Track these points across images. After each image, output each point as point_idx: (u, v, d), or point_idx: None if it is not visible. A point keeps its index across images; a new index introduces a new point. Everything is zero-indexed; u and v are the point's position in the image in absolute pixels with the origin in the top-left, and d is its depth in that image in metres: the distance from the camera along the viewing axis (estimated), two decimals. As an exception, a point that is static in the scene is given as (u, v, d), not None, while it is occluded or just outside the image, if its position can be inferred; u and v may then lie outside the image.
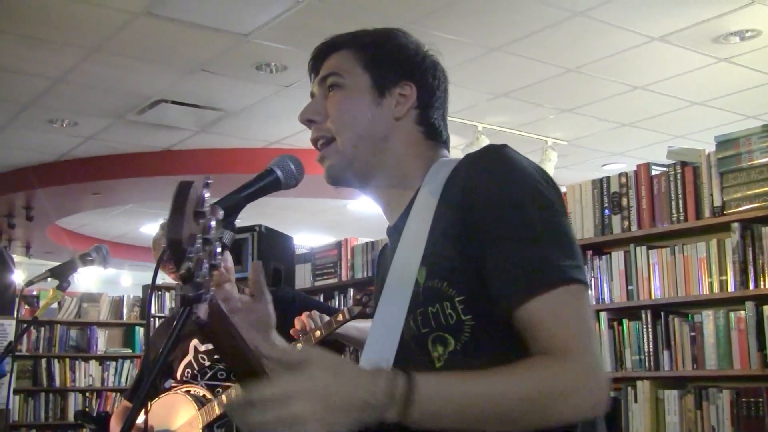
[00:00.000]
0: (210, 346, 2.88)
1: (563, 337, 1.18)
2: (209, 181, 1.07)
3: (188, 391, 2.82)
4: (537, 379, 1.16)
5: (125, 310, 8.80)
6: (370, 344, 1.33)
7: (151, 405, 2.88)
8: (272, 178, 1.32)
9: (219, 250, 1.06)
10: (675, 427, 3.67)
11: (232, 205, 1.33)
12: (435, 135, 1.47)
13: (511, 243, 1.23)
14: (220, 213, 1.09)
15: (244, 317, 1.45)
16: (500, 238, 1.24)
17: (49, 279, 2.60)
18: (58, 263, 2.64)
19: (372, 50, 1.45)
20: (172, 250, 1.01)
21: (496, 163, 1.29)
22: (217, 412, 2.70)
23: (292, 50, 5.38)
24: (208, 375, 2.87)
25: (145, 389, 1.17)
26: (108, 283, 13.22)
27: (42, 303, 2.63)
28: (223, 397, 2.70)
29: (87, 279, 13.13)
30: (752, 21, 5.15)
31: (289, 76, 5.84)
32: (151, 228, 11.00)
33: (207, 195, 1.05)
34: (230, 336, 1.14)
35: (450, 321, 1.28)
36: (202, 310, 1.04)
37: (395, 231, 1.43)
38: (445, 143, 1.49)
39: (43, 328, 8.29)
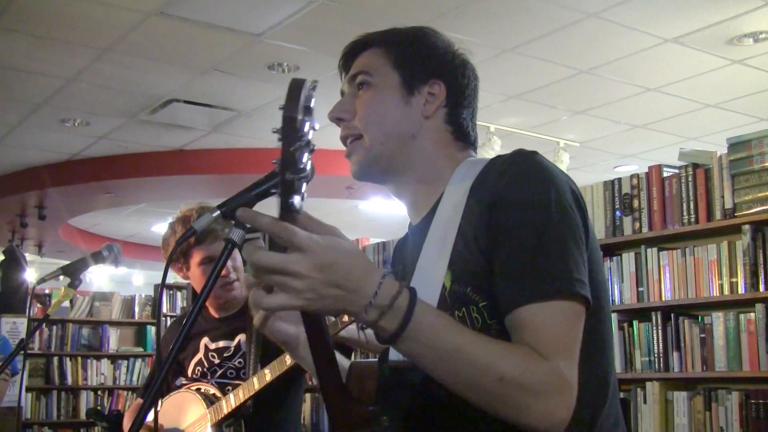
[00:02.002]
0: (221, 344, 2.89)
1: (549, 345, 1.17)
2: (316, 84, 1.11)
3: (198, 389, 2.83)
4: (521, 363, 1.15)
5: (137, 309, 8.84)
6: None
7: (161, 403, 2.89)
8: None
9: (310, 167, 1.10)
10: (684, 429, 3.66)
11: (243, 203, 1.34)
12: (463, 135, 1.47)
13: (521, 247, 1.23)
14: (317, 124, 1.11)
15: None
16: (512, 241, 1.24)
17: (61, 277, 2.61)
18: (70, 262, 2.65)
19: (402, 48, 1.45)
20: (285, 127, 1.05)
21: (527, 170, 1.29)
22: (226, 411, 2.71)
23: (305, 50, 5.40)
24: (218, 373, 2.87)
25: (155, 387, 1.18)
26: (120, 282, 13.29)
27: (53, 301, 2.64)
28: (231, 396, 2.70)
29: (99, 278, 13.18)
30: (766, 23, 5.13)
31: (301, 77, 5.84)
32: (163, 227, 10.98)
33: (314, 97, 1.09)
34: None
35: (476, 325, 1.28)
36: (296, 200, 1.08)
37: (420, 230, 1.43)
38: (473, 144, 1.49)
39: (55, 327, 8.35)
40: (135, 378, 8.64)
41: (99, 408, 8.21)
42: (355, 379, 1.42)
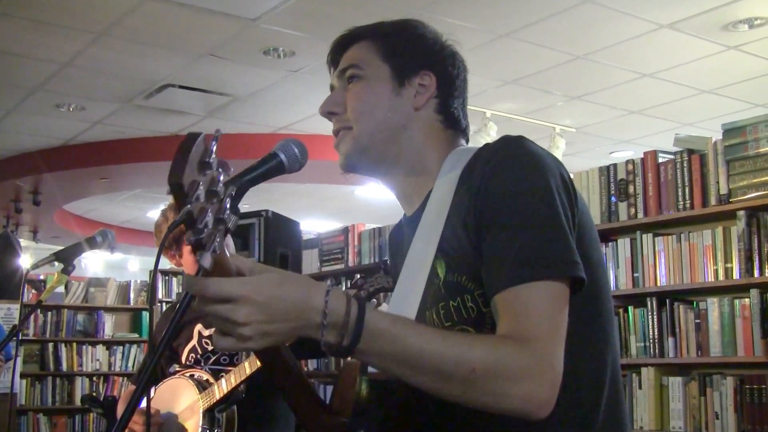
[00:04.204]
0: (214, 330, 2.89)
1: (530, 326, 1.16)
2: (218, 135, 1.07)
3: (191, 376, 2.84)
4: (491, 352, 1.13)
5: (132, 295, 8.83)
6: None
7: (155, 390, 2.90)
8: (276, 162, 1.29)
9: (228, 206, 1.06)
10: (679, 414, 3.68)
11: (236, 188, 1.32)
12: (454, 124, 1.47)
13: (507, 230, 1.23)
14: (230, 169, 1.08)
15: None
16: (497, 225, 1.23)
17: (55, 263, 2.60)
18: (64, 247, 2.64)
19: (391, 40, 1.45)
20: (174, 194, 1.01)
21: (513, 155, 1.28)
22: (218, 396, 2.71)
23: (300, 35, 5.38)
24: (212, 359, 2.88)
25: (146, 374, 1.17)
26: (115, 268, 13.28)
27: (47, 287, 2.64)
28: (222, 381, 2.71)
29: (94, 264, 13.18)
30: (761, 9, 5.13)
31: (297, 62, 5.84)
32: (158, 213, 11.00)
33: (215, 148, 1.05)
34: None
35: (472, 314, 1.28)
36: (206, 260, 1.03)
37: (413, 222, 1.43)
38: (464, 131, 1.49)
39: (50, 313, 8.33)
40: (130, 364, 8.63)
41: (94, 394, 8.21)
42: (342, 386, 1.40)
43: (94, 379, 8.49)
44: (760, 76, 6.24)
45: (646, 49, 5.73)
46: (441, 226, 1.33)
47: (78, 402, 8.18)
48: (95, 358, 8.50)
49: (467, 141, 1.50)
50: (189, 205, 1.00)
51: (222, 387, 2.71)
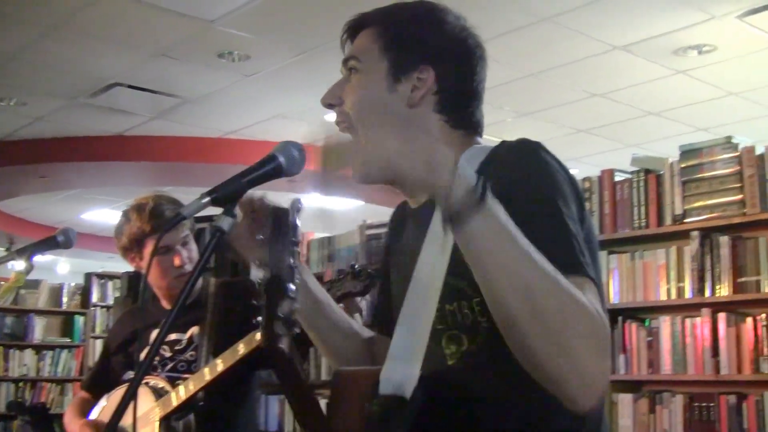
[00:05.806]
0: (172, 337, 2.82)
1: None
2: (300, 206, 1.02)
3: (147, 383, 2.75)
4: (583, 302, 1.05)
5: (65, 299, 8.59)
6: (396, 343, 1.26)
7: (107, 398, 2.82)
8: (275, 165, 1.26)
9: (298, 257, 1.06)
10: (628, 430, 3.72)
11: (234, 190, 1.27)
12: (461, 124, 1.38)
13: (538, 230, 1.18)
14: (299, 229, 1.04)
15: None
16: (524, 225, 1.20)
17: (13, 262, 2.51)
18: (24, 246, 2.55)
19: (392, 30, 1.37)
20: (272, 284, 0.99)
21: (532, 160, 1.24)
22: (175, 404, 2.64)
23: (256, 39, 5.31)
24: (169, 366, 2.80)
25: (133, 387, 1.11)
26: (43, 269, 12.89)
27: (4, 286, 2.54)
28: (180, 388, 2.63)
29: (20, 265, 12.75)
30: (710, 36, 5.27)
31: (251, 66, 5.75)
32: (93, 215, 10.77)
33: (299, 222, 1.00)
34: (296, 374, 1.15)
35: (466, 321, 1.25)
36: (286, 343, 1.01)
37: (419, 216, 1.36)
38: (477, 129, 1.40)
39: (-26, 315, 8.03)
40: (60, 369, 8.38)
41: (20, 400, 7.93)
42: (341, 402, 1.34)
43: (21, 384, 8.19)
44: (705, 101, 6.41)
45: (598, 70, 5.83)
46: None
47: (2, 408, 7.89)
48: (23, 363, 8.22)
49: (481, 138, 1.42)
50: (292, 298, 0.98)
51: (180, 394, 2.63)
